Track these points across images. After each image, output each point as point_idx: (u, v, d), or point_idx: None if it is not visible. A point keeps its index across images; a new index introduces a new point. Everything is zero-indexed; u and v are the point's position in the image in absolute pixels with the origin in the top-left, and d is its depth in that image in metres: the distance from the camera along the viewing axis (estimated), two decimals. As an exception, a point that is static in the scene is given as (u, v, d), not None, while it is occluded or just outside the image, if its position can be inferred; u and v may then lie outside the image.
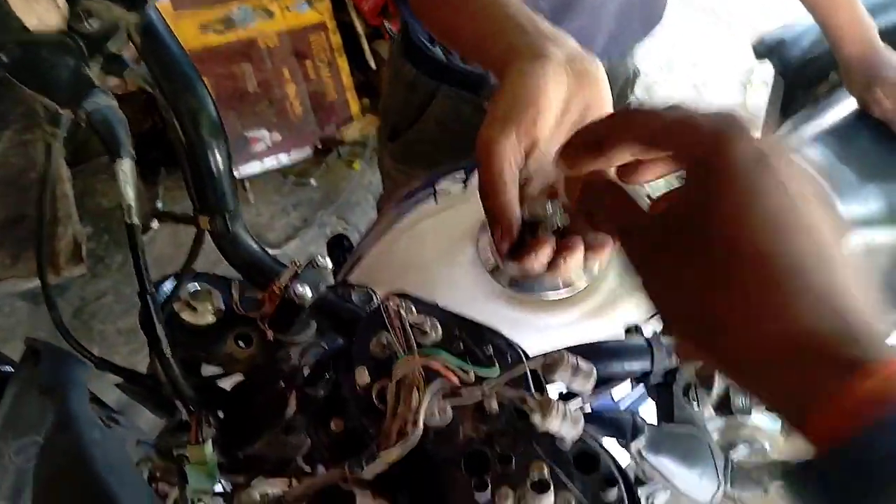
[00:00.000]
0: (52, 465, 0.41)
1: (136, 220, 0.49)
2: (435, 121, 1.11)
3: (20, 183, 2.17)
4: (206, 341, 0.57)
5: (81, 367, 0.48)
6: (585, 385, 0.46)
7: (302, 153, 2.28)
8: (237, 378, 0.69)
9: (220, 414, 0.59)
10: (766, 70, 2.54)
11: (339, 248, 1.30)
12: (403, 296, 0.53)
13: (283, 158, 2.25)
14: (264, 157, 2.19)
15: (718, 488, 0.55)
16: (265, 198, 2.22)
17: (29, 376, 0.51)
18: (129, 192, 0.49)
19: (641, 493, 0.61)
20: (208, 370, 0.63)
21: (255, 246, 0.59)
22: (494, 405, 0.47)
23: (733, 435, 0.62)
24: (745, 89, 2.67)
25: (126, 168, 0.48)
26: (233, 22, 2.15)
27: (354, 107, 2.31)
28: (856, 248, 0.89)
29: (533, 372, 0.50)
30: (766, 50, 1.43)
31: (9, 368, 0.60)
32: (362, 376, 0.48)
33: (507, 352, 0.51)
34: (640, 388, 0.73)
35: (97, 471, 0.38)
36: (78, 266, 2.04)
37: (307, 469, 0.58)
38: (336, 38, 2.27)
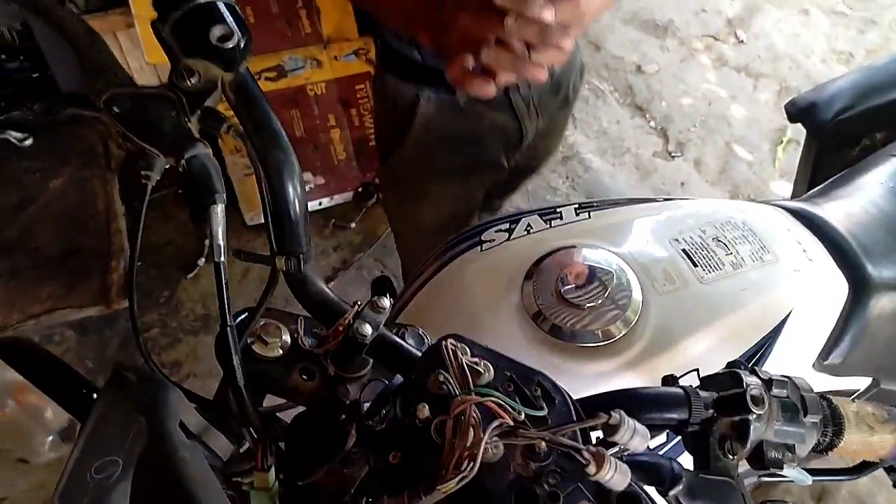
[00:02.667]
0: (146, 482, 0.45)
1: (223, 259, 0.54)
2: (419, 136, 1.11)
3: (77, 217, 2.26)
4: (274, 373, 0.62)
5: (172, 391, 0.53)
6: (641, 445, 0.49)
7: (344, 197, 2.36)
8: (294, 411, 0.73)
9: (282, 444, 0.63)
10: (798, 130, 2.58)
11: (382, 289, 1.34)
12: (459, 337, 0.57)
13: (326, 201, 2.34)
14: (308, 199, 2.26)
15: (753, 537, 0.57)
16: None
17: (113, 399, 0.56)
18: (220, 234, 0.54)
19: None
20: (267, 403, 0.68)
21: (322, 286, 0.63)
22: (544, 445, 0.51)
23: (765, 491, 0.64)
24: (777, 148, 2.70)
25: (219, 212, 0.53)
26: (284, 70, 2.26)
27: (395, 153, 2.39)
28: (883, 310, 0.91)
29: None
30: (798, 112, 1.47)
31: (90, 392, 0.64)
32: (423, 412, 0.52)
33: (554, 396, 0.54)
34: (676, 439, 0.75)
35: (188, 488, 0.42)
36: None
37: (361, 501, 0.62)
38: (381, 88, 2.36)
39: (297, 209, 0.59)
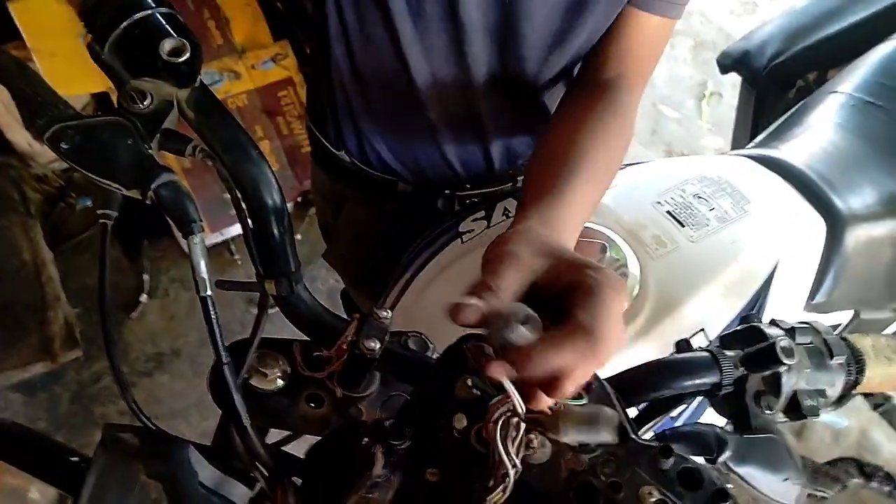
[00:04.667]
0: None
1: (209, 292, 0.49)
2: (348, 230, 1.07)
3: (2, 271, 2.12)
4: (279, 406, 0.57)
5: (183, 446, 0.47)
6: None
7: (283, 209, 2.28)
8: (298, 442, 0.69)
9: (297, 480, 0.58)
10: (718, 82, 2.63)
11: (349, 300, 1.29)
12: (476, 337, 0.54)
13: (266, 216, 2.25)
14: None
15: (802, 490, 0.56)
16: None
17: (111, 465, 0.50)
18: (202, 266, 0.49)
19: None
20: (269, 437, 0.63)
21: (316, 304, 0.59)
22: (594, 434, 0.48)
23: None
24: (701, 103, 2.76)
25: (198, 242, 0.48)
26: (201, 87, 2.16)
27: (330, 158, 2.33)
28: (858, 242, 0.92)
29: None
30: (733, 62, 1.49)
31: (74, 459, 0.58)
32: (461, 421, 0.48)
33: (590, 381, 0.52)
34: (694, 402, 0.74)
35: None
36: (73, 350, 1.99)
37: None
38: (304, 91, 2.29)
39: (281, 226, 0.54)
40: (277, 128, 2.27)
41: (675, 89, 2.78)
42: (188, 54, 0.50)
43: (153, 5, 0.50)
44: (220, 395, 0.54)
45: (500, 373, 0.44)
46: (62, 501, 0.55)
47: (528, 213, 0.61)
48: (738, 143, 1.59)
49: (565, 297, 0.47)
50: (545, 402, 0.47)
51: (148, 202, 0.49)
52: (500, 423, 0.47)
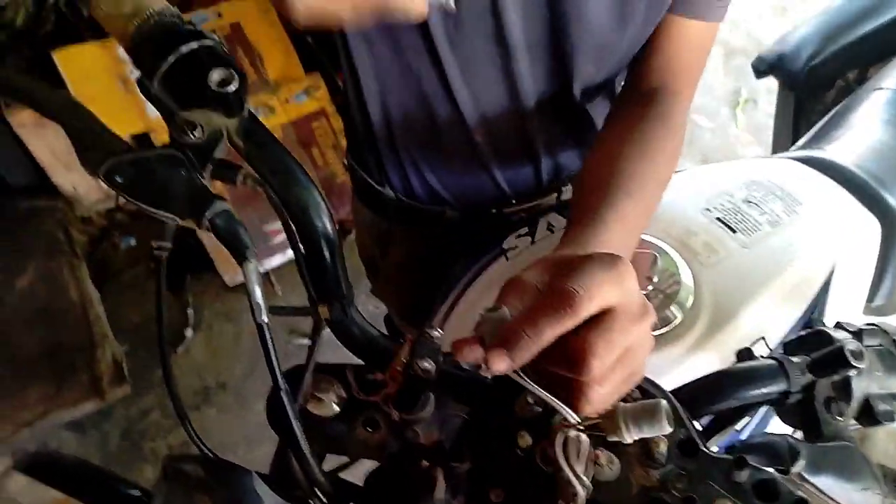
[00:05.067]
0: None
1: (265, 318, 0.49)
2: (396, 264, 1.05)
3: (52, 312, 2.17)
4: (337, 431, 0.57)
5: (247, 475, 0.47)
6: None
7: (321, 239, 2.30)
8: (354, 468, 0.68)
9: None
10: (752, 88, 2.60)
11: (392, 326, 1.29)
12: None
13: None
14: (286, 248, 2.20)
15: (883, 500, 0.53)
16: (292, 288, 2.22)
17: (172, 497, 0.50)
18: (257, 292, 0.49)
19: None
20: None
21: (368, 327, 0.59)
22: (663, 448, 0.46)
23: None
24: (735, 111, 2.72)
25: (252, 269, 0.48)
26: (237, 123, 2.21)
27: (365, 186, 2.35)
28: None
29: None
30: (769, 66, 1.47)
31: (135, 492, 0.58)
32: (525, 439, 0.47)
33: (654, 394, 0.50)
34: (759, 414, 0.72)
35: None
36: (122, 386, 2.02)
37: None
38: (337, 122, 2.32)
39: (332, 250, 0.54)
40: (312, 159, 2.30)
41: (708, 98, 2.75)
42: (236, 84, 0.50)
43: (200, 38, 0.50)
44: (278, 421, 0.54)
45: (501, 360, 0.42)
46: (126, 535, 0.55)
47: (569, 237, 0.61)
48: (779, 148, 1.56)
49: None
50: (593, 405, 0.45)
51: (205, 230, 0.49)
52: (563, 440, 0.45)
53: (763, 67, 1.46)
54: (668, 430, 0.42)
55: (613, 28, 0.73)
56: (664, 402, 0.43)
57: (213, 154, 0.51)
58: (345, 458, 0.67)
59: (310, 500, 0.56)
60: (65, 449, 1.84)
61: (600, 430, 0.46)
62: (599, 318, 0.43)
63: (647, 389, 0.50)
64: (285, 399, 0.52)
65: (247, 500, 0.44)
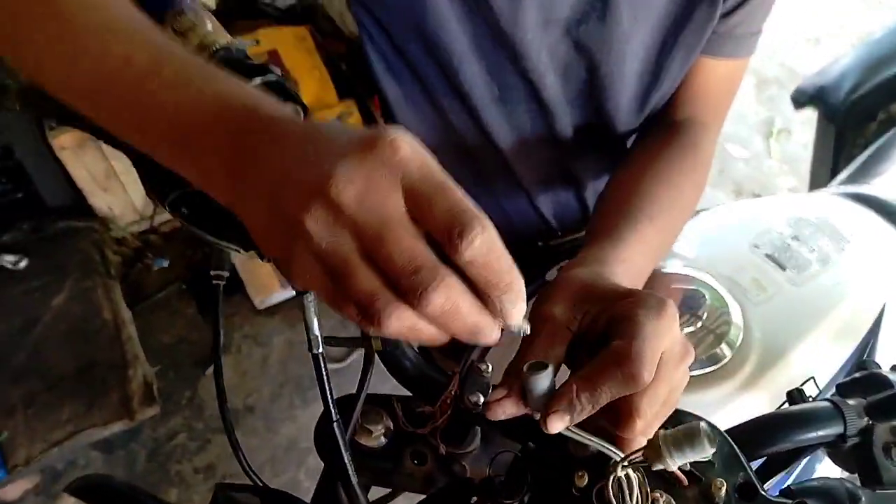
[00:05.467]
0: None
1: (321, 350, 0.49)
2: None
3: (85, 331, 2.20)
4: (384, 463, 0.56)
5: (302, 506, 0.47)
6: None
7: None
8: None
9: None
10: (786, 118, 2.58)
11: (429, 356, 1.29)
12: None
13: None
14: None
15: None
16: (324, 312, 2.24)
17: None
18: (315, 324, 0.49)
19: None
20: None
21: (419, 359, 0.59)
22: (723, 491, 0.46)
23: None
24: (769, 141, 2.70)
25: (312, 300, 0.49)
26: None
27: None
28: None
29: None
30: (809, 98, 1.46)
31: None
32: (581, 479, 0.47)
33: (713, 435, 0.49)
34: (804, 461, 0.70)
35: None
36: (151, 406, 2.03)
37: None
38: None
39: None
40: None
41: (741, 127, 2.73)
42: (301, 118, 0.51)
43: (265, 73, 0.51)
44: (326, 450, 0.54)
45: (562, 422, 0.43)
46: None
47: (587, 254, 0.60)
48: (817, 181, 1.54)
49: (609, 334, 0.46)
50: (636, 441, 0.45)
51: (265, 260, 0.50)
52: (617, 480, 0.45)
53: (803, 99, 1.45)
54: (711, 451, 0.42)
55: (651, 81, 0.74)
56: (703, 423, 0.42)
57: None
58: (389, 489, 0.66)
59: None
60: (93, 468, 1.86)
61: (644, 458, 0.45)
62: None
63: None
64: (337, 430, 0.52)
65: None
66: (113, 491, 0.58)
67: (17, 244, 2.16)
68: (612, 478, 0.45)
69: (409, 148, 0.35)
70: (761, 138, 2.70)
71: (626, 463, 0.45)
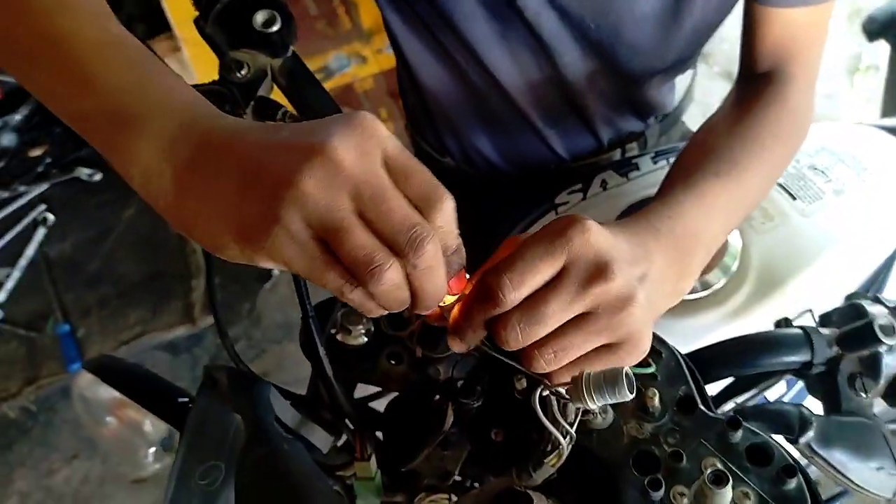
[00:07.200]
0: (249, 476, 0.44)
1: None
2: None
3: (153, 243, 2.34)
4: (362, 361, 0.60)
5: (264, 386, 0.51)
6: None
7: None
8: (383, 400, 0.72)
9: (378, 434, 0.61)
10: (874, 54, 2.40)
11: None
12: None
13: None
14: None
15: (901, 481, 0.52)
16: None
17: (208, 403, 0.55)
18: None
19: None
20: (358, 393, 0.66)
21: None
22: (657, 403, 0.47)
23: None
24: (852, 77, 2.53)
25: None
26: (330, 70, 2.26)
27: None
28: None
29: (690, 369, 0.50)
30: (880, 28, 1.36)
31: (184, 399, 0.64)
32: (521, 383, 0.49)
33: (660, 350, 0.50)
34: (798, 386, 0.70)
35: (295, 481, 0.41)
36: (211, 315, 2.14)
37: (465, 482, 0.59)
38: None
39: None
40: (401, 109, 2.34)
41: (826, 63, 2.56)
42: (279, 25, 0.53)
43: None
44: (309, 349, 0.58)
45: (455, 345, 0.49)
46: (171, 435, 0.62)
47: (641, 212, 0.58)
48: (889, 116, 1.45)
49: None
50: (541, 368, 0.47)
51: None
52: (539, 393, 0.46)
53: (873, 28, 1.35)
54: (630, 397, 0.42)
55: (667, 24, 0.71)
56: (627, 368, 0.43)
57: (256, 92, 0.54)
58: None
59: (337, 423, 0.60)
60: (159, 369, 2.00)
61: (565, 396, 0.46)
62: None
63: (654, 347, 0.50)
64: (312, 326, 0.55)
65: (258, 407, 0.48)
66: (123, 370, 0.65)
67: (92, 159, 2.29)
68: (535, 394, 0.47)
69: (384, 128, 0.39)
70: (846, 74, 2.53)
71: (546, 393, 0.46)
